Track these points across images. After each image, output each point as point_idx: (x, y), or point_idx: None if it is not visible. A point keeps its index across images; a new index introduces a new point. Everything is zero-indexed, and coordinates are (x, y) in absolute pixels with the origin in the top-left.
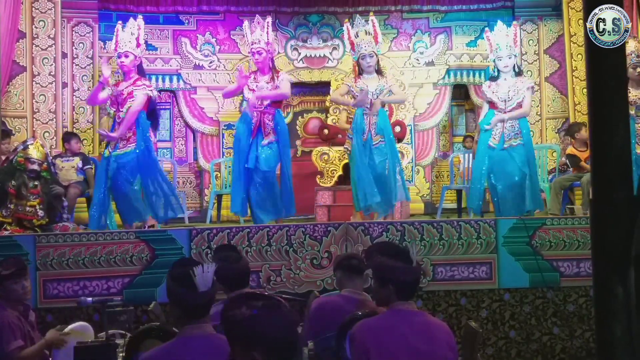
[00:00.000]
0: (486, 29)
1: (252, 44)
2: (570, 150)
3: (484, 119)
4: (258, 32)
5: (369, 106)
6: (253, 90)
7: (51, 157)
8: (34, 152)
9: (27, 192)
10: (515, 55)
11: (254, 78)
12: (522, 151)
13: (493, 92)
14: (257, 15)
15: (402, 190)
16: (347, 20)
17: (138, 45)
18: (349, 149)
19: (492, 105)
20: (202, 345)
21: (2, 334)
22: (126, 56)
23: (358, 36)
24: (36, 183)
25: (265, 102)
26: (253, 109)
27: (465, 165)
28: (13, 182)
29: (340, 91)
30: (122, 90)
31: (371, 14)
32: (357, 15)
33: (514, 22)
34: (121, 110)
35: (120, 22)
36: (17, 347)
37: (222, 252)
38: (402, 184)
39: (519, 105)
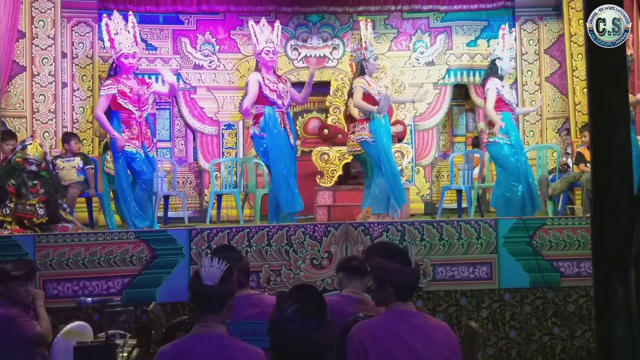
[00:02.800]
0: (502, 25)
1: (265, 43)
2: (581, 148)
3: (505, 122)
4: (268, 33)
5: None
6: (275, 91)
7: (50, 157)
8: (33, 152)
9: (27, 191)
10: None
11: (266, 78)
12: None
13: (511, 95)
14: (263, 17)
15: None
16: (361, 18)
17: (137, 44)
18: (357, 149)
19: (505, 107)
20: (210, 346)
21: (16, 322)
22: (133, 57)
23: (368, 37)
24: (35, 182)
25: (286, 102)
26: (277, 109)
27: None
28: (12, 181)
29: (359, 95)
30: (143, 90)
31: (368, 19)
32: (367, 17)
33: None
34: (143, 109)
35: (105, 15)
36: (35, 329)
37: (221, 252)
38: None
39: None
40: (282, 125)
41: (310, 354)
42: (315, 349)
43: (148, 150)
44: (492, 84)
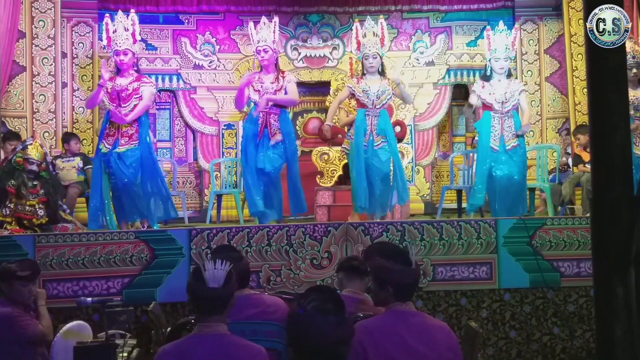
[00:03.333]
0: (488, 27)
1: (257, 42)
2: (578, 150)
3: (480, 121)
4: (264, 31)
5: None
6: (258, 91)
7: (51, 158)
8: (33, 153)
9: (27, 191)
10: (511, 59)
11: (258, 78)
12: (520, 153)
13: (490, 94)
14: (263, 16)
15: (405, 191)
16: (357, 20)
17: (135, 41)
18: (348, 148)
19: (486, 106)
20: (211, 345)
21: (17, 321)
22: (125, 54)
23: (365, 36)
24: (35, 183)
25: (271, 103)
26: (259, 109)
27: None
28: (12, 181)
29: (340, 95)
30: (126, 86)
31: (381, 17)
32: (368, 16)
33: (516, 25)
34: (124, 106)
35: (107, 14)
36: (36, 328)
37: (221, 252)
38: (404, 184)
39: (515, 108)
40: (263, 125)
41: (328, 349)
42: (333, 344)
43: (120, 146)
44: (474, 87)
